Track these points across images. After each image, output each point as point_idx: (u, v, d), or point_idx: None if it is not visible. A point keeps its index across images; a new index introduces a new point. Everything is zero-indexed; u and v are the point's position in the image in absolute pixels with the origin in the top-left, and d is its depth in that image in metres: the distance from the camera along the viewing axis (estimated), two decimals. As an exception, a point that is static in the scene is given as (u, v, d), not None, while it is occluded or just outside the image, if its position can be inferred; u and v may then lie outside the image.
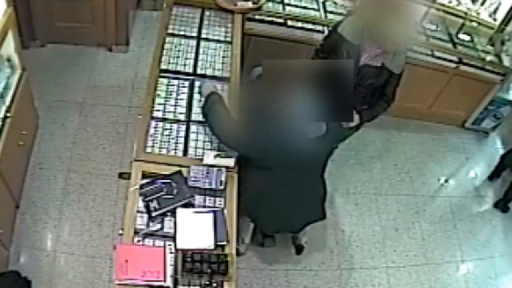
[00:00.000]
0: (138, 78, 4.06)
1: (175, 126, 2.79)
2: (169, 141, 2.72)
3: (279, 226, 3.01)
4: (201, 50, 3.17)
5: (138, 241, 2.32)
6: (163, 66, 3.03)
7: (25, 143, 3.18)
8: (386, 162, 4.20)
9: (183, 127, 2.80)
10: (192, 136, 2.77)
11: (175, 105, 2.89)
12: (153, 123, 2.78)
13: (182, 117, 2.84)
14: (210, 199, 2.52)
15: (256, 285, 3.29)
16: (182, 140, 2.74)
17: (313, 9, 4.01)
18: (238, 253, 3.04)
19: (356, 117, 3.03)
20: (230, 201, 2.53)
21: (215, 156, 2.63)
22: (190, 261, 2.23)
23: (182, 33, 3.24)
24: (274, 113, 2.48)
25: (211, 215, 2.41)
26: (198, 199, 2.51)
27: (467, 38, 4.24)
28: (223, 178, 2.55)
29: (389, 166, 4.19)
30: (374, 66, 2.89)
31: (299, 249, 3.42)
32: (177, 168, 2.56)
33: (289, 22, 3.87)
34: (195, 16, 3.38)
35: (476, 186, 4.32)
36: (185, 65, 3.06)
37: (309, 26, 3.88)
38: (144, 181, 2.49)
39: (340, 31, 2.94)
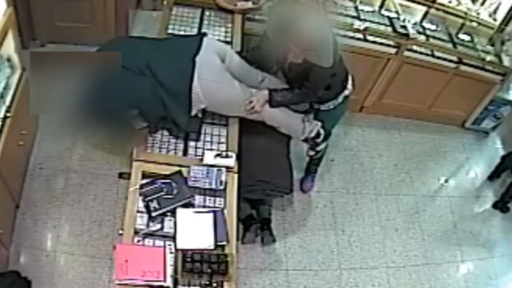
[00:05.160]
0: (138, 78, 4.05)
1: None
2: (169, 141, 2.72)
3: None
4: (201, 50, 3.17)
5: (138, 241, 2.32)
6: (163, 66, 3.02)
7: (25, 143, 3.18)
8: (386, 162, 4.20)
9: (183, 127, 2.80)
10: (192, 136, 2.77)
11: (175, 105, 2.88)
12: (153, 123, 2.78)
13: (182, 117, 2.84)
14: (210, 199, 2.53)
15: (256, 285, 3.29)
16: (182, 140, 2.74)
17: (313, 9, 4.01)
18: None
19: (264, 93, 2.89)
20: (230, 201, 2.53)
21: (215, 156, 2.63)
22: (190, 261, 2.23)
23: (182, 33, 3.24)
24: None
25: (211, 215, 2.41)
26: (198, 199, 2.51)
27: (467, 38, 4.23)
28: (223, 178, 2.55)
29: (389, 166, 4.19)
30: (297, 63, 2.79)
31: (264, 223, 3.37)
32: (177, 168, 2.56)
33: (289, 22, 3.86)
34: (195, 16, 3.38)
35: (476, 186, 4.32)
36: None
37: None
38: (144, 181, 2.49)
39: (266, 30, 2.87)
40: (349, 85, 3.11)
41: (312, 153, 3.25)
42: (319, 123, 3.13)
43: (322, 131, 3.14)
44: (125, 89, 2.57)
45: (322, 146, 3.23)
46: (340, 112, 3.24)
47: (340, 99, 3.10)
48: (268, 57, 2.93)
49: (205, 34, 2.99)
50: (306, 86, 2.85)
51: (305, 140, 3.14)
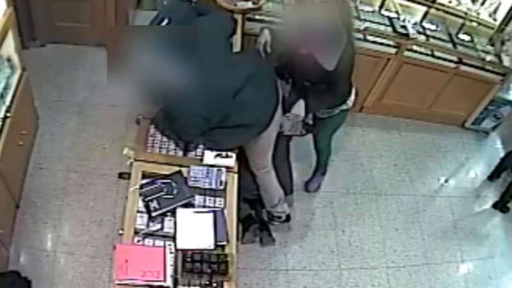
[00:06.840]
0: (138, 78, 4.05)
1: (175, 125, 2.78)
2: (169, 141, 2.72)
3: None
4: (201, 50, 3.16)
5: (138, 241, 2.32)
6: (163, 66, 3.01)
7: (25, 143, 3.18)
8: (386, 162, 4.20)
9: (183, 127, 2.79)
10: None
11: (175, 105, 2.87)
12: (153, 123, 2.77)
13: (182, 117, 2.83)
14: (210, 199, 2.52)
15: (256, 285, 3.29)
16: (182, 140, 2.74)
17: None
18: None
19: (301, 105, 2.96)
20: (230, 201, 2.53)
21: (215, 156, 2.63)
22: (190, 261, 2.23)
23: (182, 33, 3.23)
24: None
25: (211, 215, 2.41)
26: (198, 199, 2.51)
27: (467, 38, 4.24)
28: (223, 178, 2.55)
29: (389, 166, 4.19)
30: (301, 53, 2.77)
31: (263, 224, 3.41)
32: (177, 168, 2.56)
33: (289, 22, 3.86)
34: (195, 16, 3.37)
35: (476, 186, 4.32)
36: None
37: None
38: (144, 181, 2.49)
39: (285, 16, 2.96)
40: (350, 101, 3.10)
41: (265, 218, 3.35)
42: (288, 211, 3.30)
43: (284, 218, 3.30)
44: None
45: (275, 223, 3.34)
46: (336, 123, 3.25)
47: (337, 111, 3.10)
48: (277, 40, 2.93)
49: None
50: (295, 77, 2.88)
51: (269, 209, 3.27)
